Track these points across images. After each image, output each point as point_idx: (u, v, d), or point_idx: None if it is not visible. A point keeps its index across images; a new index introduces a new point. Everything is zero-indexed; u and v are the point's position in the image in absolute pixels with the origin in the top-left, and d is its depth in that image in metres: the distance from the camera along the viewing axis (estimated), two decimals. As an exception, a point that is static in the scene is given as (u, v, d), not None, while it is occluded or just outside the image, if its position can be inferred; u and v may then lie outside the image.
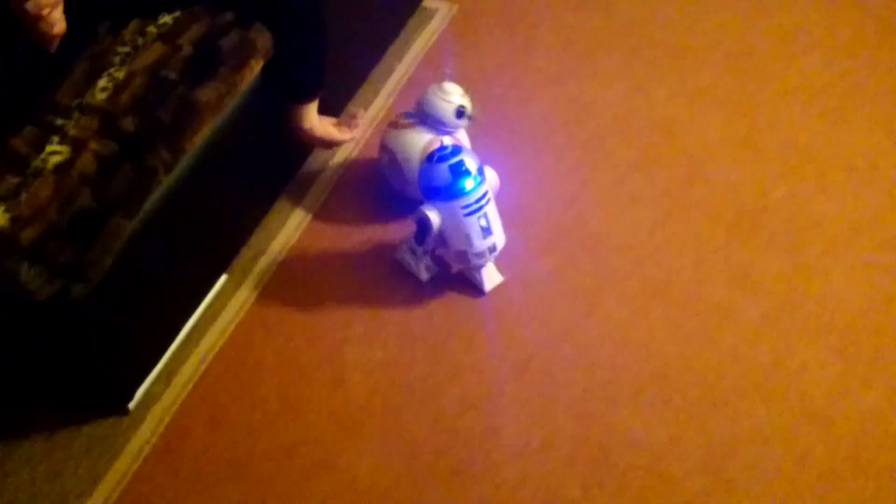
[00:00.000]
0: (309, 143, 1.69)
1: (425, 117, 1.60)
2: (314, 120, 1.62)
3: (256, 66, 1.44)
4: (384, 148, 1.65)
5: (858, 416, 1.37)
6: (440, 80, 1.63)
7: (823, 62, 1.92)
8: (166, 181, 1.32)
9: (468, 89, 1.64)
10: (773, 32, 1.99)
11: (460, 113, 1.59)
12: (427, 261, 1.55)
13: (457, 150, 1.44)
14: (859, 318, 1.48)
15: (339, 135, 1.69)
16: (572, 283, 1.56)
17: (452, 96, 1.59)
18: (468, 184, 1.42)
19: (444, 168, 1.42)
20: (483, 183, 1.45)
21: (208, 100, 1.36)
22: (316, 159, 1.81)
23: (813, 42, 1.97)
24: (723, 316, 1.50)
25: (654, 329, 1.49)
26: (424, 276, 1.56)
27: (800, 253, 1.58)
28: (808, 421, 1.37)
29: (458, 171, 1.42)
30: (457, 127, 1.61)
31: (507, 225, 1.54)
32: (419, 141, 1.60)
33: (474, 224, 1.46)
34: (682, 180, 1.71)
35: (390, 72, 1.95)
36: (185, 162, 1.35)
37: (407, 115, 1.64)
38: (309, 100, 1.59)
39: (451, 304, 1.54)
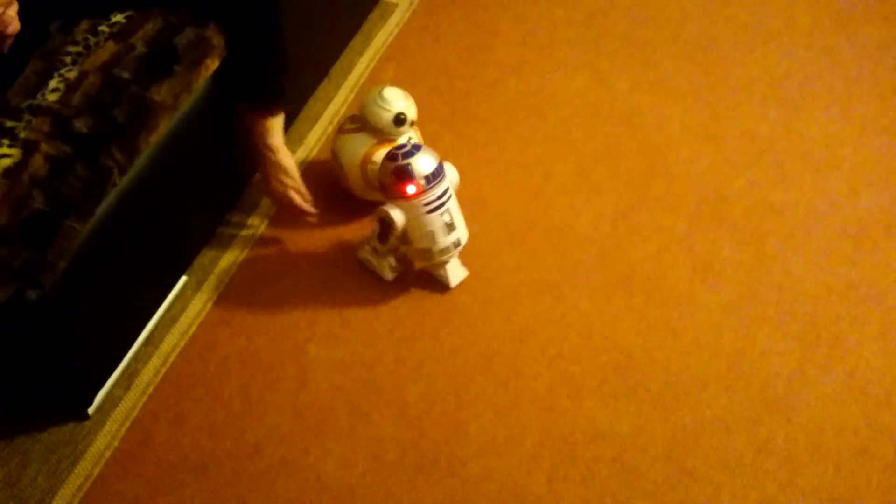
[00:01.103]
0: (266, 173, 1.58)
1: (366, 124, 1.58)
2: (278, 139, 1.55)
3: (212, 65, 1.43)
4: (332, 152, 1.64)
5: (818, 402, 1.39)
6: (382, 84, 1.61)
7: (781, 52, 1.94)
8: (121, 183, 1.30)
9: (409, 94, 1.59)
10: (732, 23, 2.01)
11: (400, 120, 1.55)
12: (391, 260, 1.55)
13: (415, 148, 1.43)
14: (819, 306, 1.51)
15: (298, 182, 1.58)
16: (536, 276, 1.57)
17: (392, 103, 1.54)
18: (415, 186, 1.42)
19: (423, 157, 1.42)
20: (444, 179, 1.45)
21: (163, 99, 1.34)
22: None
23: (771, 32, 1.99)
24: (685, 306, 1.52)
25: (617, 321, 1.50)
26: (389, 275, 1.56)
27: (760, 242, 1.60)
28: (769, 409, 1.39)
29: (408, 173, 1.42)
30: (398, 134, 1.57)
31: (471, 219, 1.54)
32: (359, 147, 1.58)
33: (437, 221, 1.45)
34: (644, 171, 1.72)
35: (351, 67, 1.94)
36: (140, 163, 1.33)
37: (353, 118, 1.63)
38: (270, 108, 1.52)
39: (415, 301, 1.54)
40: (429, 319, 1.52)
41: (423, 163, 1.43)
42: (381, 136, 1.58)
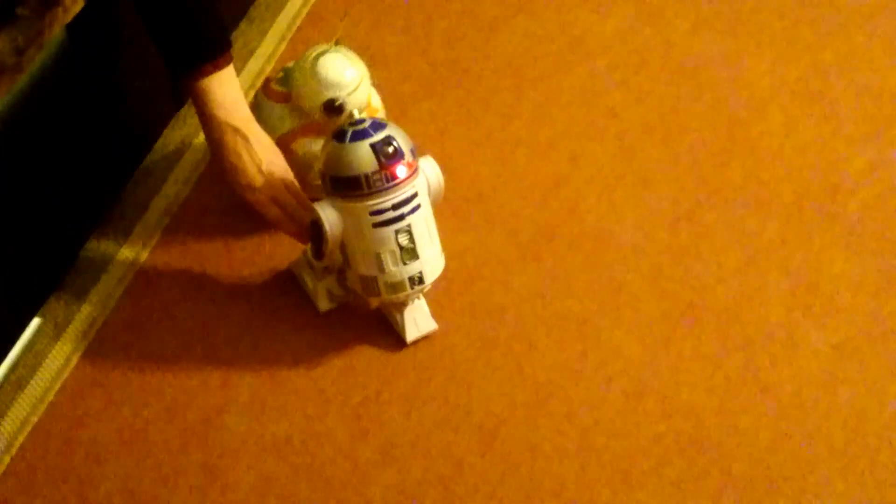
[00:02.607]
0: (231, 175, 1.57)
1: (293, 95, 1.60)
2: (242, 107, 1.55)
3: (74, 6, 1.44)
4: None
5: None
6: (325, 44, 1.60)
7: None
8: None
9: (371, 59, 1.60)
10: None
11: (333, 109, 1.56)
12: (331, 285, 1.57)
13: (378, 124, 1.45)
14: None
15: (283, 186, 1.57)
16: (560, 307, 1.58)
17: (324, 82, 1.55)
18: (399, 171, 1.44)
19: (362, 149, 1.43)
20: (414, 178, 1.46)
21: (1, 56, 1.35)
22: (171, 140, 1.83)
23: None
24: (780, 349, 1.52)
25: (680, 371, 1.51)
26: (323, 304, 1.57)
27: (891, 252, 1.62)
28: None
29: (386, 151, 1.43)
30: (327, 124, 1.57)
31: (463, 225, 1.55)
32: (277, 123, 1.61)
33: (388, 240, 1.46)
34: (717, 150, 1.75)
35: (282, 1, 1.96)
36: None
37: (285, 73, 1.64)
38: (217, 57, 1.52)
39: (382, 348, 1.55)
40: (402, 375, 1.52)
41: (400, 141, 1.44)
42: (307, 118, 1.61)
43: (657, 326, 1.56)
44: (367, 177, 1.43)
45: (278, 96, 1.63)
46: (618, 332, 1.55)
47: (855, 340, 1.53)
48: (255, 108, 1.64)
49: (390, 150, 1.44)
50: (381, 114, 1.68)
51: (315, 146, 1.60)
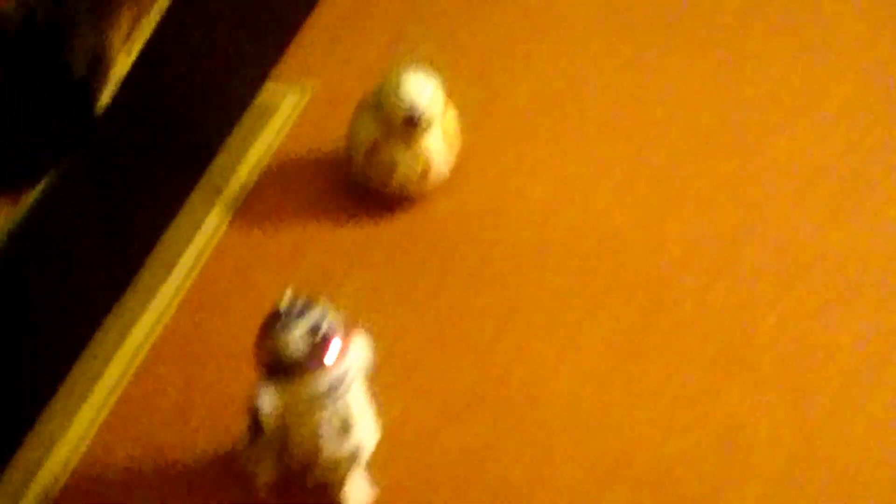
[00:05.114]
0: None
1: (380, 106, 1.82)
2: None
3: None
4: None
5: None
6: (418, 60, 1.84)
7: (819, 131, 2.02)
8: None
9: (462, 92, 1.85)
10: (748, 103, 2.08)
11: (412, 121, 1.78)
12: (269, 463, 1.57)
13: (309, 306, 1.47)
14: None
15: None
16: (492, 469, 1.60)
17: (410, 91, 1.78)
18: (332, 352, 1.46)
19: (295, 332, 1.45)
20: (345, 356, 1.48)
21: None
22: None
23: (805, 104, 2.08)
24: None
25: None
26: (263, 478, 1.58)
27: (803, 403, 1.66)
28: None
29: (318, 333, 1.46)
30: (409, 138, 1.81)
31: (392, 398, 1.57)
32: (364, 131, 1.85)
33: (325, 420, 1.48)
34: (638, 313, 1.79)
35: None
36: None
37: (376, 89, 1.85)
38: None
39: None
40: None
41: (330, 321, 1.47)
42: (391, 129, 1.82)
43: (587, 487, 1.58)
44: (301, 360, 1.45)
45: (370, 106, 1.85)
46: (549, 492, 1.58)
47: (782, 484, 1.57)
48: (354, 114, 1.88)
49: (322, 331, 1.46)
50: (455, 127, 1.90)
51: (398, 154, 1.84)
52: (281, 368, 1.47)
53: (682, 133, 2.04)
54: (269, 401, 1.48)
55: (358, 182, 1.93)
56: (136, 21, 1.64)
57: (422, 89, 1.80)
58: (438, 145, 1.87)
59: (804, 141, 2.01)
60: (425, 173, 1.89)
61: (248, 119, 2.11)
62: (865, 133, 2.01)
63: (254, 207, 1.98)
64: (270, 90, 2.16)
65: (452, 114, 1.90)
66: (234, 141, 2.08)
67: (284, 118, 2.11)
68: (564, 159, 2.02)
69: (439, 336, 1.78)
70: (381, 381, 1.56)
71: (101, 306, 1.82)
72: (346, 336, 1.51)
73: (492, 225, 1.93)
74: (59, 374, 1.75)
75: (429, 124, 1.81)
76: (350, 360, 1.50)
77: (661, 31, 2.21)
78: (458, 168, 1.94)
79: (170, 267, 1.89)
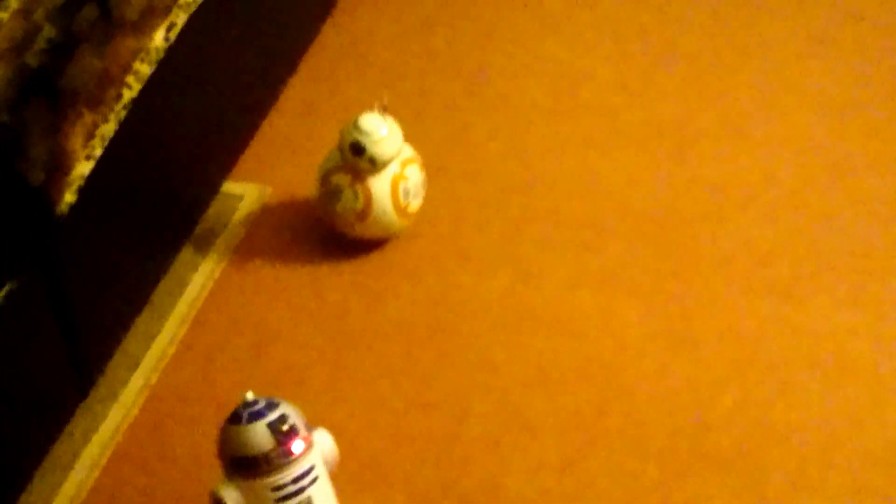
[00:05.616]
0: None
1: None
2: None
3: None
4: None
5: None
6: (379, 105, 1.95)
7: (763, 219, 2.07)
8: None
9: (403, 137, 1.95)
10: (692, 191, 2.14)
11: (357, 149, 1.91)
12: None
13: (272, 403, 1.50)
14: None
15: None
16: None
17: (362, 122, 1.91)
18: (296, 447, 1.48)
19: (259, 428, 1.47)
20: (309, 452, 1.50)
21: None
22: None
23: (751, 193, 2.13)
24: None
25: None
26: None
27: (760, 484, 1.68)
28: None
29: (282, 429, 1.48)
30: (359, 169, 1.93)
31: (356, 491, 1.58)
32: (325, 162, 2.01)
33: None
34: (595, 398, 1.81)
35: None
36: None
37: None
38: None
39: None
40: None
41: (293, 417, 1.49)
42: (344, 158, 1.96)
43: None
44: (265, 455, 1.47)
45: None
46: None
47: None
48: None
49: (286, 427, 1.48)
50: (417, 164, 2.02)
51: (343, 181, 1.97)
52: (244, 464, 1.48)
53: (632, 226, 2.10)
54: (234, 494, 1.49)
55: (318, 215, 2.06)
56: (95, 126, 1.67)
57: (376, 126, 1.94)
58: (383, 192, 1.97)
59: (755, 224, 2.08)
60: (364, 213, 1.99)
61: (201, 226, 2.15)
62: (816, 215, 2.08)
63: (214, 306, 2.01)
64: (227, 190, 2.21)
65: (417, 178, 2.01)
66: (193, 243, 2.12)
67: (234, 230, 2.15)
68: (518, 257, 2.06)
69: (403, 431, 1.80)
70: (345, 479, 1.58)
71: (63, 410, 1.83)
72: (309, 431, 1.53)
73: (446, 317, 1.97)
74: (22, 481, 1.75)
75: (376, 164, 1.94)
76: (314, 453, 1.52)
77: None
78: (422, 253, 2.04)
79: (132, 368, 1.91)
